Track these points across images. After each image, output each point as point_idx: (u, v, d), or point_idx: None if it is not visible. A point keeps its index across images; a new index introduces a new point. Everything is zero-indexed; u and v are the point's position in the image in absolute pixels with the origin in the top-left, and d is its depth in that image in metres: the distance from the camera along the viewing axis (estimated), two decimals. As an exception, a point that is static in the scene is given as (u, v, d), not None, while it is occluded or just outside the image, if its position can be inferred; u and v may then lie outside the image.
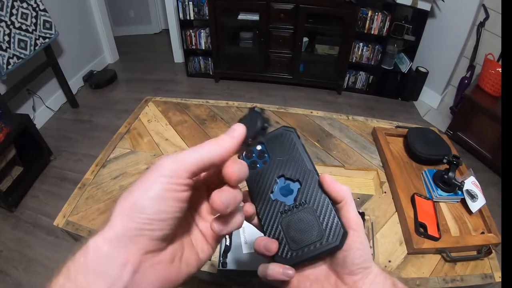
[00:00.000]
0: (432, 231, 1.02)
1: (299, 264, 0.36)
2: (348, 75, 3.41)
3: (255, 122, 0.35)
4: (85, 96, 3.29)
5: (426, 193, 1.18)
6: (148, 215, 0.29)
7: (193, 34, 3.31)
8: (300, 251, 0.36)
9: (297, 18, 2.98)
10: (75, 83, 3.28)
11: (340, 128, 1.45)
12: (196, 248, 0.36)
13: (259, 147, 0.41)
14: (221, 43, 3.28)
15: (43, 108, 2.92)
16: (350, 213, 0.36)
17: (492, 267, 1.01)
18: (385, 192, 1.18)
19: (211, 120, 1.46)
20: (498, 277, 0.99)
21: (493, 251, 1.03)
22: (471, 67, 2.84)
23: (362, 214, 1.06)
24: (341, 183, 0.37)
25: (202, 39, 3.34)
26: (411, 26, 2.91)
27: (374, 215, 1.10)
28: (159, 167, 0.30)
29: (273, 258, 0.37)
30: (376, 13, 2.91)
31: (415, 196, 1.12)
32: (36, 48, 2.44)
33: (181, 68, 3.78)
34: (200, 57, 3.56)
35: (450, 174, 1.13)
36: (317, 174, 0.38)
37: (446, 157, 1.16)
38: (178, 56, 3.90)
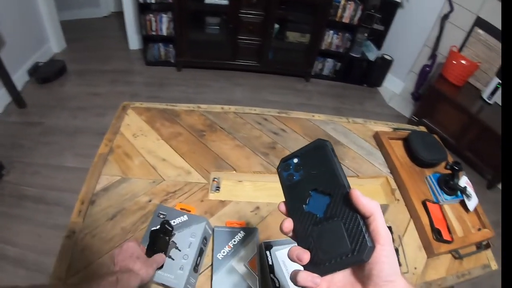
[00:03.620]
0: (445, 235, 1.09)
1: (326, 274, 0.38)
2: (315, 62, 3.41)
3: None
4: (33, 93, 2.83)
5: (432, 198, 1.24)
6: None
7: (153, 18, 3.03)
8: (328, 262, 0.38)
9: (269, 4, 2.87)
10: (19, 78, 2.81)
11: (344, 133, 1.43)
12: None
13: (295, 160, 0.44)
14: (184, 29, 3.04)
15: (-16, 112, 2.47)
16: (379, 227, 0.37)
17: (488, 257, 1.12)
18: (398, 200, 1.21)
19: (210, 130, 1.27)
20: (493, 265, 1.10)
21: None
22: (433, 56, 3.00)
23: (389, 228, 1.10)
24: (369, 199, 0.38)
25: (164, 24, 3.07)
26: (380, 16, 2.98)
27: (395, 225, 1.12)
28: None
29: (304, 266, 0.39)
30: (349, 2, 2.91)
31: (427, 202, 1.18)
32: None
33: (138, 56, 3.46)
34: (160, 44, 3.28)
35: (455, 180, 1.21)
36: (348, 187, 0.39)
37: (449, 164, 1.23)
38: (134, 42, 3.55)
